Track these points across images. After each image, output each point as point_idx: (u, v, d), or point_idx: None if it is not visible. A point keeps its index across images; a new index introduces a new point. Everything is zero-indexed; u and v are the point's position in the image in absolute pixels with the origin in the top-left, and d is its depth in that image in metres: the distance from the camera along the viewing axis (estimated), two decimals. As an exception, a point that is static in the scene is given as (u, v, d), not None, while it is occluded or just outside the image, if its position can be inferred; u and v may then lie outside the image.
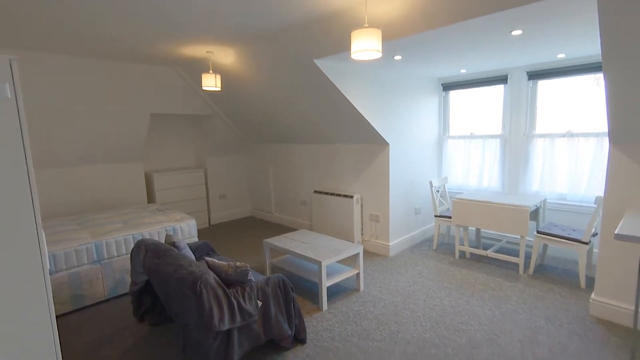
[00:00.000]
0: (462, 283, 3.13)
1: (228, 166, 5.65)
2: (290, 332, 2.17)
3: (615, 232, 1.74)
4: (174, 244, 2.42)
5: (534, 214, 3.56)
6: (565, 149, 3.54)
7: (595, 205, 2.87)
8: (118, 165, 4.53)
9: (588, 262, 3.15)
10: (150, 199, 4.92)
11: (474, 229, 4.20)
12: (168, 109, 4.57)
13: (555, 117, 3.62)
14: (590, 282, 3.04)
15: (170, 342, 2.37)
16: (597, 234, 3.13)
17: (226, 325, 1.84)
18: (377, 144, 3.87)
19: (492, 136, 4.06)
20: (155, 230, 3.31)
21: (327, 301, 2.87)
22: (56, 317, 2.36)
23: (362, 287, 3.05)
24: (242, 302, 1.95)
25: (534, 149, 3.75)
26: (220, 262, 2.09)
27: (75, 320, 2.71)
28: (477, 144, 4.20)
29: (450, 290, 3.00)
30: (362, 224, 4.17)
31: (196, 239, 3.62)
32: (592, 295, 2.56)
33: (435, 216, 3.98)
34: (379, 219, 3.97)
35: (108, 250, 2.99)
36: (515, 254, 3.71)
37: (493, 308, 2.68)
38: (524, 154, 3.83)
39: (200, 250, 2.89)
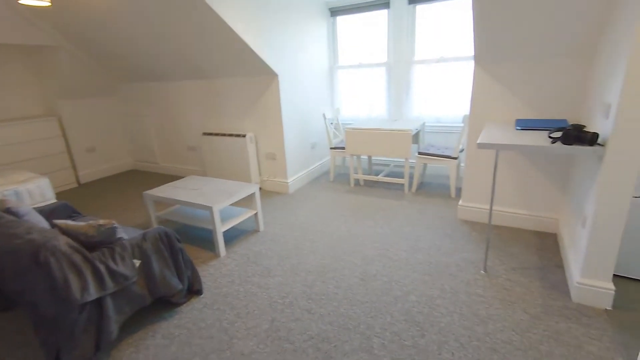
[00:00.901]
0: (357, 208, 3.30)
1: (91, 112, 4.66)
2: (181, 286, 1.97)
3: (477, 141, 1.91)
4: (8, 210, 1.88)
5: (416, 138, 3.86)
6: (439, 74, 3.80)
7: (463, 124, 3.21)
8: None
9: (458, 175, 3.62)
10: (-18, 161, 3.81)
11: (367, 157, 4.41)
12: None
13: (431, 43, 3.80)
14: (459, 191, 3.53)
15: (22, 328, 1.95)
16: (463, 149, 3.56)
17: (92, 295, 1.54)
18: (265, 75, 3.56)
19: (378, 64, 4.12)
20: (-13, 198, 2.55)
21: (225, 247, 2.71)
22: None
23: (261, 227, 2.97)
24: (111, 264, 1.64)
25: (414, 75, 3.95)
26: (76, 223, 1.69)
27: None
28: (365, 73, 4.23)
29: (347, 217, 3.14)
30: (259, 164, 3.98)
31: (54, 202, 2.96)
32: (460, 202, 2.96)
33: (330, 148, 4.02)
34: (276, 157, 3.83)
35: None
36: (402, 175, 4.05)
37: (384, 226, 2.90)
38: (405, 81, 4.00)
39: (56, 214, 2.35)
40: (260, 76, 3.59)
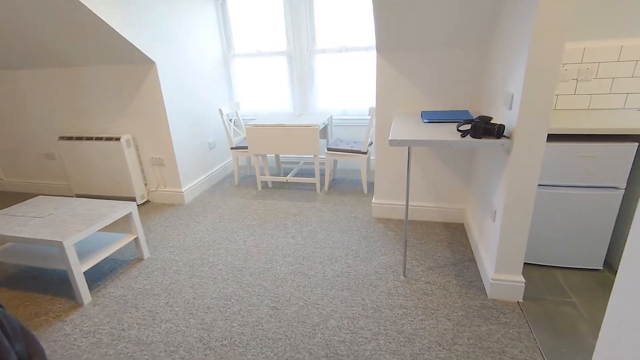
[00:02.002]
0: (265, 216, 2.92)
1: None
2: (7, 370, 1.34)
3: (389, 138, 1.71)
4: None
5: (324, 132, 3.63)
6: (343, 65, 3.61)
7: (370, 117, 3.07)
8: None
9: (368, 169, 3.51)
10: None
11: (274, 155, 4.05)
12: None
13: (332, 32, 3.58)
14: (371, 186, 3.43)
15: None
16: (372, 142, 3.46)
17: None
18: (138, 63, 2.88)
19: (278, 53, 3.75)
20: None
21: (92, 289, 2.07)
22: None
23: (146, 254, 2.38)
24: None
25: (316, 65, 3.69)
26: None
27: None
28: (264, 62, 3.82)
29: (254, 227, 2.74)
30: (143, 172, 3.28)
31: None
32: (373, 200, 2.82)
33: (231, 148, 3.53)
34: (164, 162, 3.19)
35: None
36: (313, 173, 3.80)
37: (295, 234, 2.59)
38: (309, 72, 3.73)
39: None
40: (134, 64, 2.90)
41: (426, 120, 2.07)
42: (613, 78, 2.08)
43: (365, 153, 3.16)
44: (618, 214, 1.89)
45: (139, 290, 2.04)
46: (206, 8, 3.52)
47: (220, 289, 2.01)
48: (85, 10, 2.26)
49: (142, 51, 2.69)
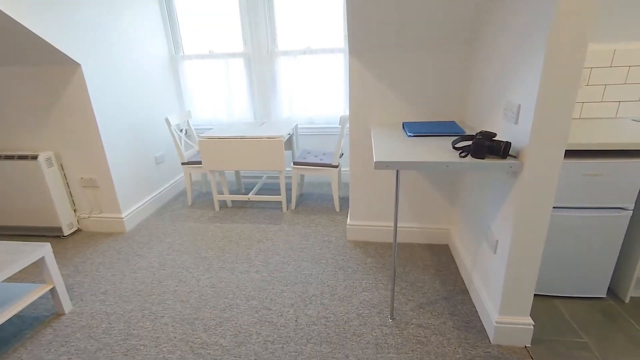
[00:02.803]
0: (224, 244, 2.49)
1: None
2: None
3: (375, 159, 1.38)
4: None
5: (289, 143, 3.26)
6: (307, 68, 3.27)
7: (340, 126, 2.74)
8: None
9: (340, 183, 3.18)
10: None
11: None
12: None
13: (295, 32, 3.22)
14: (344, 202, 3.10)
15: None
16: (343, 154, 3.14)
17: None
18: (58, 64, 2.34)
19: (234, 54, 3.32)
20: None
21: (-16, 369, 1.54)
22: None
23: (67, 307, 1.86)
24: None
25: (279, 68, 3.31)
26: None
27: None
28: (219, 65, 3.38)
29: (210, 260, 2.30)
30: (70, 196, 2.71)
31: None
32: (348, 220, 2.49)
33: (182, 164, 3.05)
34: (97, 183, 2.65)
35: None
36: (278, 190, 3.41)
37: (260, 268, 2.19)
38: (270, 75, 3.34)
39: None
40: (51, 65, 2.35)
41: (411, 134, 1.77)
42: (605, 85, 1.92)
43: (336, 167, 2.83)
44: (624, 238, 1.70)
45: (53, 363, 1.55)
46: (147, 4, 3.01)
47: (164, 355, 1.56)
48: (-28, -6, 1.72)
49: (61, 50, 2.17)
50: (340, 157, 2.98)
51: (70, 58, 2.25)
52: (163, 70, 3.25)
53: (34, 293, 1.73)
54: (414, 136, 1.76)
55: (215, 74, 3.40)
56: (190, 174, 3.11)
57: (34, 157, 2.45)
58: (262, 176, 3.72)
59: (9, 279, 2.17)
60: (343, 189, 3.36)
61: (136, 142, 2.87)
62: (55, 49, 2.15)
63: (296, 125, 3.26)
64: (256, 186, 3.27)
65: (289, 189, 3.37)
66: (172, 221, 2.87)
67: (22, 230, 2.68)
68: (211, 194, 3.39)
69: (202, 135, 2.80)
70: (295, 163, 2.89)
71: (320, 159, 2.94)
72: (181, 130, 3.32)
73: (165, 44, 3.29)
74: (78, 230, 2.76)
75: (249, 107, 3.48)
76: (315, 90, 3.31)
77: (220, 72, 3.38)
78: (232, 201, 3.18)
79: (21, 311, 1.88)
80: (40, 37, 2.04)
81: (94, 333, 1.71)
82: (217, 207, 3.06)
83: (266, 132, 2.82)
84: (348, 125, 2.92)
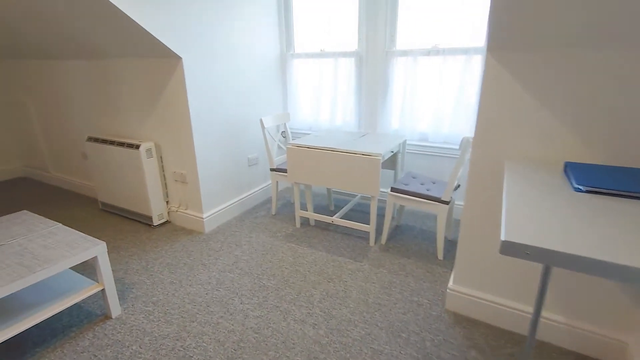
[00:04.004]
0: (290, 274, 2.11)
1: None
2: None
3: (502, 238, 0.74)
4: None
5: (392, 162, 2.69)
6: (430, 72, 2.62)
7: (460, 151, 2.04)
8: None
9: (450, 223, 2.45)
10: None
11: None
12: None
13: (420, 27, 2.61)
14: (450, 249, 2.36)
15: None
16: (459, 186, 2.40)
17: None
18: (163, 57, 2.34)
19: (345, 54, 2.92)
20: None
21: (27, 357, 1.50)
22: None
23: (115, 312, 1.76)
24: None
25: (394, 71, 2.76)
26: None
27: None
28: (327, 65, 3.02)
29: (269, 292, 1.94)
30: (165, 188, 2.76)
31: None
32: (451, 282, 1.79)
33: (271, 170, 2.82)
34: (186, 179, 2.61)
35: None
36: (368, 215, 2.87)
37: (319, 321, 1.72)
38: (382, 78, 2.81)
39: None
40: (158, 57, 2.36)
41: (580, 187, 1.02)
42: None
43: (446, 202, 2.13)
44: None
45: (71, 381, 1.40)
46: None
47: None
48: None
49: (164, 42, 2.12)
50: (456, 189, 2.25)
51: (172, 51, 2.20)
52: (270, 68, 3.08)
53: (85, 291, 1.65)
54: (586, 191, 1.01)
55: (323, 74, 3.06)
56: (277, 182, 2.85)
57: (137, 147, 2.54)
58: (356, 195, 3.23)
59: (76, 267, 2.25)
60: (452, 230, 2.60)
61: (230, 141, 2.76)
62: (159, 41, 2.11)
63: (404, 141, 2.66)
64: (346, 206, 2.81)
65: (382, 214, 2.80)
66: (249, 230, 2.65)
67: (124, 212, 2.86)
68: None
69: (291, 142, 2.48)
70: (393, 189, 2.31)
71: (428, 189, 2.28)
72: (281, 132, 3.09)
73: (277, 41, 3.11)
74: (167, 222, 2.80)
75: (353, 114, 3.03)
76: (435, 101, 2.64)
77: (328, 72, 3.03)
78: (317, 220, 2.80)
79: (74, 308, 1.87)
80: (145, 30, 2.01)
81: (122, 355, 1.52)
82: (297, 224, 2.72)
83: (364, 146, 2.32)
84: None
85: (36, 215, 1.95)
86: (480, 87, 1.52)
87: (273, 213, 2.94)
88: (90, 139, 2.83)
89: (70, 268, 1.92)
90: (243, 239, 2.52)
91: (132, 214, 2.80)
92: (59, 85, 3.14)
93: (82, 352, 1.54)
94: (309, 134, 3.24)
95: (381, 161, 2.17)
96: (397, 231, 2.63)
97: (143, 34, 2.08)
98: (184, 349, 1.55)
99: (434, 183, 2.40)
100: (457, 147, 2.64)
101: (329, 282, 2.03)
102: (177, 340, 1.61)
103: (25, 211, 2.01)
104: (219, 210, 2.74)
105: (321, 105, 3.15)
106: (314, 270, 2.14)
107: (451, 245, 2.42)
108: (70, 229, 1.78)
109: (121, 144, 2.63)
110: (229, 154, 2.78)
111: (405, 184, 2.36)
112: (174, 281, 2.04)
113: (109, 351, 1.55)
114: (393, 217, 2.77)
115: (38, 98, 3.38)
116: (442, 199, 2.14)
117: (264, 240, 2.51)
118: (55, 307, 1.55)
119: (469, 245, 1.68)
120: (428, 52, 2.57)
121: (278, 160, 2.92)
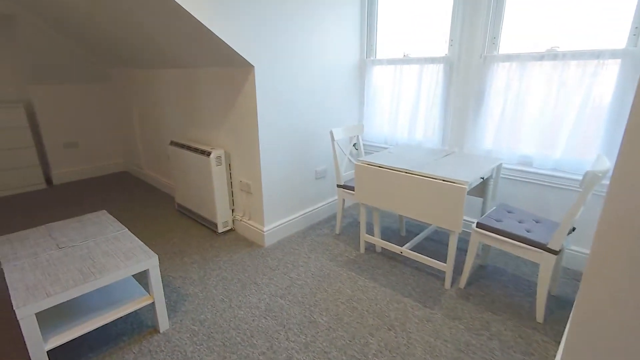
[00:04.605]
0: (345, 311, 1.85)
1: (73, 99, 3.91)
2: None
3: None
4: None
5: (481, 188, 2.23)
6: (541, 80, 2.09)
7: (582, 185, 1.52)
8: None
9: (556, 278, 1.91)
10: None
11: (399, 202, 2.87)
12: None
13: (531, 26, 2.11)
14: (555, 306, 1.83)
15: None
16: (575, 229, 1.85)
17: None
18: (238, 66, 2.29)
19: (433, 59, 2.54)
20: None
21: (65, 369, 1.53)
22: None
23: (163, 326, 1.72)
24: None
25: (492, 79, 2.29)
26: None
27: None
28: (411, 72, 2.68)
29: (318, 330, 1.72)
30: (231, 196, 2.74)
31: None
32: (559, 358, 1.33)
33: (338, 186, 2.59)
34: (251, 189, 2.55)
35: None
36: (445, 251, 2.44)
37: (372, 382, 1.42)
38: (477, 88, 2.37)
39: None
40: (232, 67, 2.33)
41: None
42: None
43: (556, 253, 1.63)
44: None
45: (106, 400, 1.36)
46: (345, 4, 2.66)
47: None
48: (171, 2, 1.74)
49: (237, 51, 2.05)
50: (569, 233, 1.72)
51: (245, 59, 2.13)
52: (346, 75, 2.86)
53: (136, 303, 1.64)
54: None
55: (404, 82, 2.73)
56: (343, 200, 2.62)
57: (208, 154, 2.55)
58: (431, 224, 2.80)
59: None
60: (559, 285, 2.04)
61: (298, 152, 2.61)
62: (233, 50, 2.05)
63: (499, 165, 2.18)
64: (420, 234, 2.43)
65: (463, 248, 2.35)
66: (309, 249, 2.47)
67: (194, 215, 2.93)
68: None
69: (360, 159, 2.22)
70: (480, 225, 1.87)
71: (528, 230, 1.80)
72: (354, 144, 2.85)
73: (357, 46, 2.88)
74: (231, 230, 2.78)
75: (437, 128, 2.63)
76: (546, 117, 2.10)
77: (411, 80, 2.69)
78: (382, 247, 2.47)
79: (128, 316, 1.88)
80: (220, 39, 1.96)
81: (158, 378, 1.45)
82: (362, 249, 2.44)
83: (447, 169, 1.94)
84: (605, 187, 1.64)
85: (111, 217, 2.05)
86: (633, 102, 1.06)
87: (337, 232, 2.71)
88: (172, 142, 2.97)
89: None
90: (301, 259, 2.34)
91: (201, 219, 2.86)
92: (155, 92, 3.40)
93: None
94: (385, 147, 2.93)
95: (466, 190, 1.77)
96: (482, 273, 2.16)
97: (219, 44, 2.04)
98: (218, 386, 1.42)
99: (537, 222, 1.89)
100: (571, 175, 2.06)
101: (389, 329, 1.71)
102: (214, 373, 1.48)
103: (104, 211, 2.14)
104: (282, 224, 2.61)
105: (400, 116, 2.82)
106: (374, 311, 1.84)
107: (556, 303, 1.88)
108: (132, 235, 1.81)
109: (195, 150, 2.69)
110: (296, 165, 2.64)
111: (498, 220, 1.90)
112: (225, 299, 1.95)
113: (147, 371, 1.49)
114: (477, 255, 2.31)
115: (140, 103, 3.72)
116: (550, 246, 1.65)
117: (322, 263, 2.30)
118: (112, 315, 1.55)
119: (591, 315, 1.21)
120: (541, 57, 2.06)
121: (347, 175, 2.68)
